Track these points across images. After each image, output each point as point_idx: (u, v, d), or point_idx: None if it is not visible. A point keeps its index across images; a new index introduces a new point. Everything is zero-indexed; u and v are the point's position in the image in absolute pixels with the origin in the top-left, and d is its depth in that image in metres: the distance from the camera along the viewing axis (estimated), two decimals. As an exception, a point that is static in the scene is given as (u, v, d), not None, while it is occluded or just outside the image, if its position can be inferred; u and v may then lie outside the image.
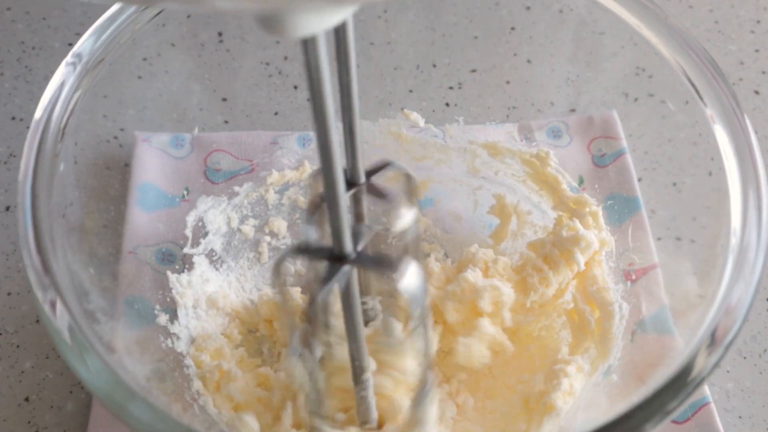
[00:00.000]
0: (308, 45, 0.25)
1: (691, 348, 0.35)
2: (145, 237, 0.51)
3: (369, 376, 0.40)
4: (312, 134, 0.56)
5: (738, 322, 0.35)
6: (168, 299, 0.48)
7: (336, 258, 0.33)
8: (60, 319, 0.35)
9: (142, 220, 0.51)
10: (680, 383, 0.34)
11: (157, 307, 0.47)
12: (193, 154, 0.56)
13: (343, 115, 0.34)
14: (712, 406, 0.47)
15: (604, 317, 0.47)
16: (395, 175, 0.38)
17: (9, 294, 0.53)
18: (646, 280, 0.47)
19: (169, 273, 0.49)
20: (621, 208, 0.51)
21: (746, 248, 0.37)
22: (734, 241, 0.38)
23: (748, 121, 0.41)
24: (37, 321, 0.52)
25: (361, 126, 0.36)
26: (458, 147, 0.55)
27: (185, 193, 0.54)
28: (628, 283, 0.48)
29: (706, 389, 0.48)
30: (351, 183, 0.37)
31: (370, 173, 0.37)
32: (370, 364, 0.39)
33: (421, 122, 0.55)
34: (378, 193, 0.37)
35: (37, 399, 0.49)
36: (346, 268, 0.32)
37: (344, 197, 0.31)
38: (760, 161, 0.39)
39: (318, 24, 0.24)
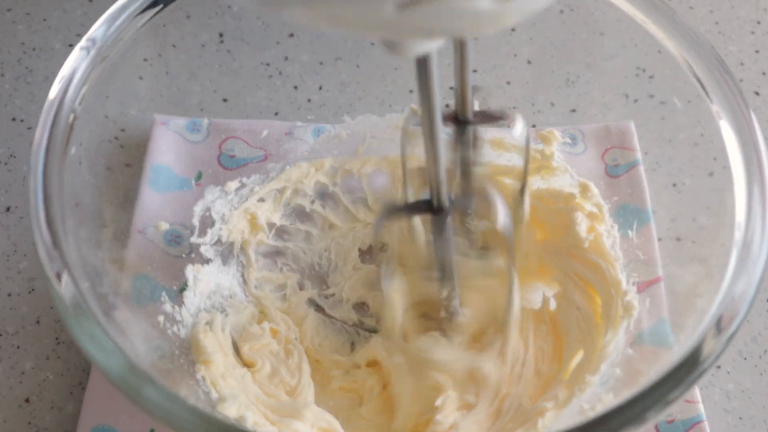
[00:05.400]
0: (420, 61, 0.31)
1: (694, 338, 0.35)
2: (155, 217, 0.51)
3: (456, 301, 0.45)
4: (327, 126, 0.57)
5: (741, 313, 0.36)
6: (174, 286, 0.49)
7: (433, 209, 0.38)
8: (71, 299, 0.36)
9: (153, 201, 0.52)
10: (683, 373, 0.34)
11: (164, 294, 0.48)
12: (208, 139, 0.57)
13: (456, 65, 0.39)
14: (705, 424, 0.47)
15: (605, 301, 0.47)
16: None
17: (9, 295, 0.53)
18: (649, 293, 0.47)
19: (188, 269, 0.50)
20: (630, 220, 0.51)
21: (750, 242, 0.37)
22: (738, 235, 0.38)
23: (753, 117, 0.41)
24: (38, 322, 0.52)
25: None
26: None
27: (198, 176, 0.55)
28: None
29: (700, 407, 0.48)
30: (462, 121, 0.41)
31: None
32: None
33: None
34: (491, 117, 0.41)
35: (38, 400, 0.49)
36: (444, 217, 0.38)
37: (443, 154, 0.35)
38: (766, 156, 0.40)
39: (427, 46, 0.29)
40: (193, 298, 0.49)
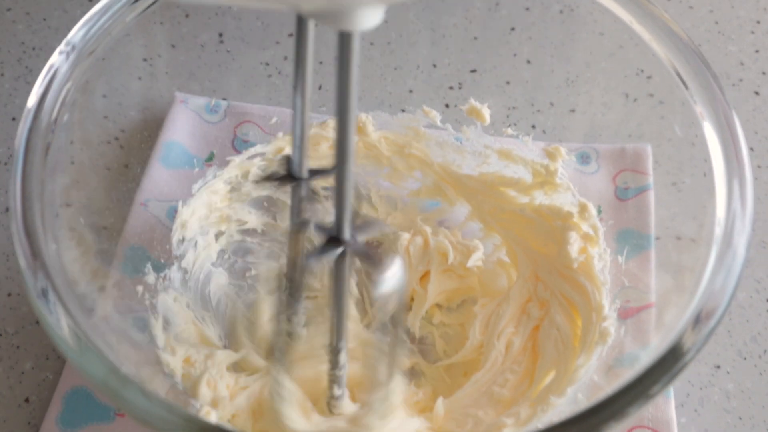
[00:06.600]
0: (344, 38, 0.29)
1: (675, 332, 0.36)
2: (160, 192, 0.52)
3: (344, 358, 0.41)
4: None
5: (721, 307, 0.36)
6: (163, 260, 0.50)
7: (333, 239, 0.35)
8: (53, 312, 0.35)
9: (162, 176, 0.53)
10: (664, 367, 0.34)
11: (149, 265, 0.48)
12: (225, 121, 0.58)
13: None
14: None
15: (586, 323, 0.47)
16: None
17: (9, 295, 0.53)
18: (637, 318, 0.46)
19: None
20: (630, 244, 0.51)
21: (730, 237, 0.38)
22: (718, 231, 0.38)
23: (735, 115, 0.41)
24: (38, 322, 0.52)
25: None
26: (474, 150, 0.55)
27: (210, 157, 0.55)
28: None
29: None
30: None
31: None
32: (346, 345, 0.40)
33: (438, 120, 0.55)
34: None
35: (37, 400, 0.49)
36: (337, 249, 0.35)
37: (352, 178, 0.33)
38: (745, 151, 0.40)
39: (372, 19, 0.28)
40: (176, 273, 0.50)
